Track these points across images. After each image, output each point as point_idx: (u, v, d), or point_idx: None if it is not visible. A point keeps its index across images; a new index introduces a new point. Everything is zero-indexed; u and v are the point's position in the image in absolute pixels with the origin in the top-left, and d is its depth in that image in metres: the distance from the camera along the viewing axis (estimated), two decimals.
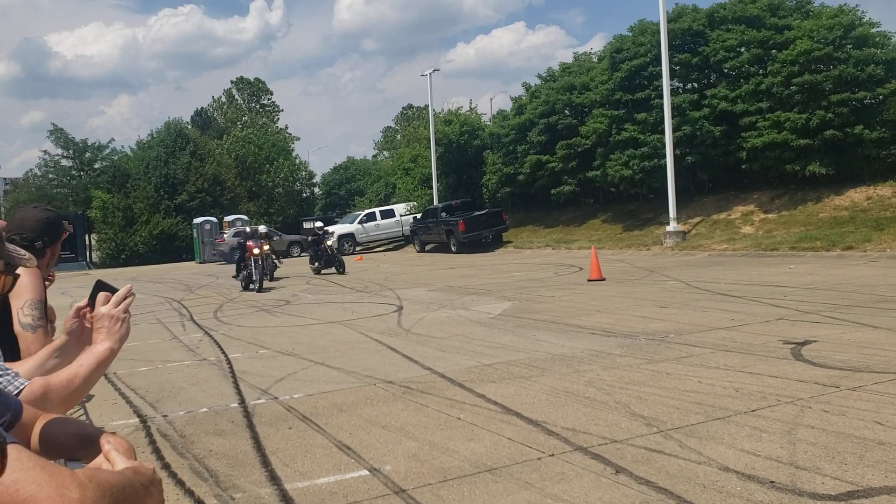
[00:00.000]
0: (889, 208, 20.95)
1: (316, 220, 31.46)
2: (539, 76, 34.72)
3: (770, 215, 24.08)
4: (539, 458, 4.80)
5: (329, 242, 23.80)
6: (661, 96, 24.54)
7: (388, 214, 38.23)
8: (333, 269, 23.17)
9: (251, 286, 19.15)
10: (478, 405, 6.24)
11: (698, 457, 4.62)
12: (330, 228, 37.91)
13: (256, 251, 19.14)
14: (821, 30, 23.09)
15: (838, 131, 22.20)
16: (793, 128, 22.89)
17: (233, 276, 21.33)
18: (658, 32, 24.76)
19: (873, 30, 23.64)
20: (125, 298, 1.87)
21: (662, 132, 24.49)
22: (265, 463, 5.12)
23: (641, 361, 7.54)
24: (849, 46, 22.83)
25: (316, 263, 23.76)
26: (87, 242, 47.46)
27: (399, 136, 65.31)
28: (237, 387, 7.63)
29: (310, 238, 24.92)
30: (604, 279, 15.78)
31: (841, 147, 22.59)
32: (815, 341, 7.95)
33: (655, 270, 17.52)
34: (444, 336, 10.11)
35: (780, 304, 10.86)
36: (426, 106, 42.99)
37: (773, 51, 24.59)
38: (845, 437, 4.77)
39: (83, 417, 6.43)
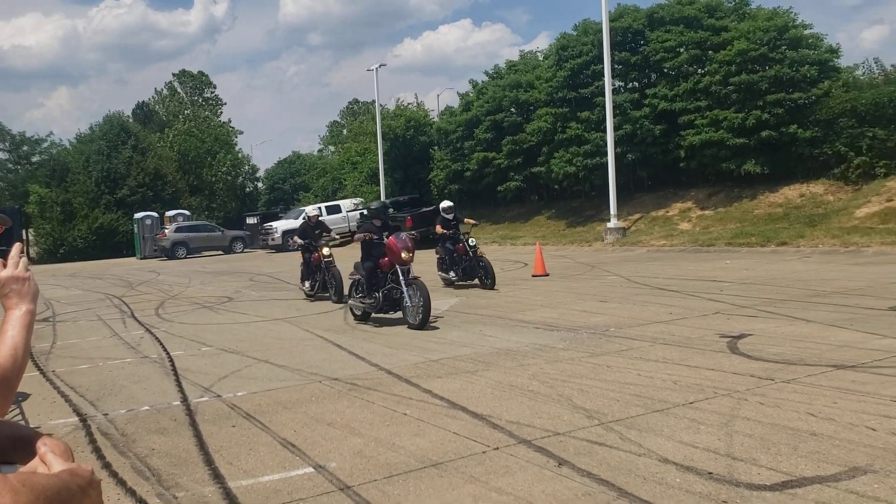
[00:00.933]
0: (821, 205, 21.70)
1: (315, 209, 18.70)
2: (486, 73, 34.95)
3: (707, 212, 24.69)
4: (484, 452, 4.85)
5: (472, 242, 14.74)
6: (603, 94, 24.93)
7: (335, 210, 37.96)
8: (477, 282, 14.71)
9: (330, 297, 14.01)
10: (424, 401, 6.27)
11: (638, 448, 4.73)
12: (274, 224, 37.66)
13: (327, 251, 14.44)
14: (756, 31, 23.75)
15: (773, 131, 22.88)
16: (729, 127, 23.50)
17: (305, 291, 14.98)
18: (601, 31, 25.14)
19: (806, 31, 24.46)
20: (20, 258, 1.80)
21: (605, 130, 24.88)
22: (208, 461, 5.06)
23: (583, 355, 7.67)
24: (783, 47, 23.55)
25: (452, 273, 15.17)
26: (25, 237, 45.95)
27: (345, 131, 64.88)
28: (179, 385, 7.50)
29: (441, 233, 15.40)
30: (548, 275, 15.98)
31: (776, 146, 23.28)
32: (751, 335, 8.19)
33: (597, 266, 17.80)
34: (391, 332, 10.11)
35: (717, 298, 11.16)
36: (373, 101, 42.77)
37: (711, 51, 25.19)
38: (780, 429, 4.93)
39: (18, 418, 6.25)
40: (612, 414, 5.51)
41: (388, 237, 10.86)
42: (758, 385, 6.06)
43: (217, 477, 4.75)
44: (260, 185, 63.19)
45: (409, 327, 10.10)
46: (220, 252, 38.25)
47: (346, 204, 38.56)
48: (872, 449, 4.44)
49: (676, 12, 26.82)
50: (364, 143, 43.60)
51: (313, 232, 15.22)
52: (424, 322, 9.98)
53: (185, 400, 6.86)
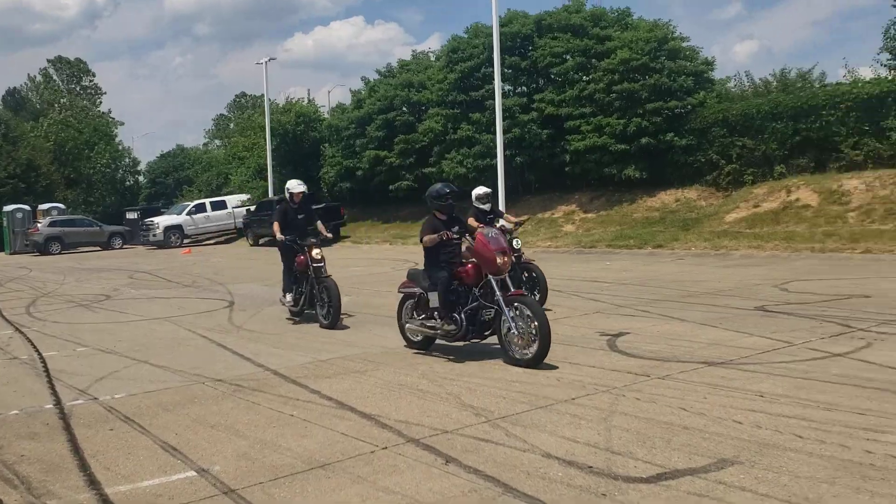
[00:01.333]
0: (694, 210, 22.89)
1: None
2: (378, 71, 34.90)
3: (590, 215, 25.57)
4: (372, 452, 4.85)
5: (517, 244, 10.84)
6: (493, 98, 25.38)
7: (220, 206, 36.90)
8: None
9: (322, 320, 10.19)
10: (312, 401, 6.21)
11: (523, 444, 4.86)
12: (155, 219, 36.22)
13: (317, 253, 10.44)
14: (638, 41, 24.77)
15: (652, 138, 23.94)
16: (612, 133, 24.39)
17: (288, 306, 10.96)
18: (491, 35, 25.58)
19: (684, 44, 25.72)
20: None
21: (495, 133, 25.34)
22: (83, 467, 4.83)
23: (472, 353, 7.78)
24: (663, 58, 24.66)
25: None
26: None
27: (232, 125, 63.19)
28: (52, 387, 7.12)
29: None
30: None
31: (654, 152, 24.36)
32: (629, 333, 8.56)
33: None
34: (278, 332, 9.94)
35: (598, 298, 11.58)
36: (262, 95, 41.89)
37: (595, 59, 26.08)
38: (655, 423, 5.18)
39: None
40: (498, 411, 5.64)
41: (463, 234, 8.09)
42: (635, 381, 6.34)
43: (93, 483, 4.54)
44: (141, 178, 60.53)
45: (506, 361, 7.21)
46: (98, 248, 36.45)
47: (232, 200, 37.57)
48: (739, 441, 4.73)
49: (563, 20, 27.60)
50: (252, 137, 42.59)
51: (298, 220, 11.00)
52: (540, 359, 6.93)
53: (58, 403, 6.52)
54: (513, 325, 7.11)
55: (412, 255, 21.90)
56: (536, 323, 6.91)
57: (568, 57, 26.84)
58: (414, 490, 4.20)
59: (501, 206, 24.96)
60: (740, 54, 76.92)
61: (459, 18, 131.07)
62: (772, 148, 22.25)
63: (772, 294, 11.13)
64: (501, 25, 26.24)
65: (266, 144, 36.92)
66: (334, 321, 9.61)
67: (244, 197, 38.00)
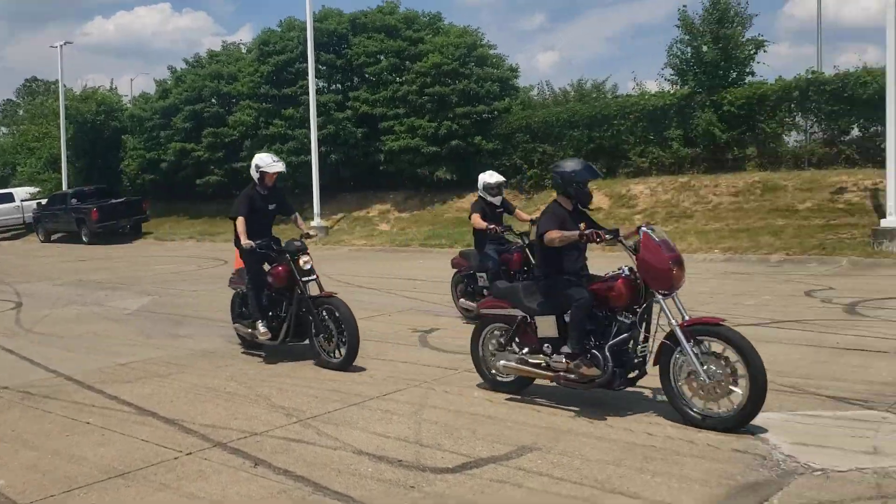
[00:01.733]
0: None
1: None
2: (185, 61, 33.21)
3: (403, 214, 26.00)
4: (176, 458, 4.68)
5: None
6: (307, 93, 25.07)
7: (6, 199, 33.63)
8: None
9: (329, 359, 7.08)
10: (109, 407, 5.87)
11: (335, 443, 4.89)
12: None
13: (306, 262, 7.44)
14: (449, 46, 25.47)
15: (462, 141, 24.70)
16: (424, 135, 24.89)
17: (258, 337, 7.61)
18: (305, 30, 25.27)
19: (491, 51, 26.74)
20: None
21: (309, 129, 25.05)
22: None
23: (282, 354, 7.68)
24: (471, 64, 25.53)
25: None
26: None
27: (21, 111, 57.76)
28: None
29: (485, 228, 9.17)
30: None
31: (463, 155, 25.16)
32: (440, 329, 8.83)
33: None
34: (72, 335, 9.26)
35: (411, 295, 11.84)
36: (56, 80, 38.58)
37: (409, 61, 26.51)
38: (462, 415, 5.41)
39: None
40: (310, 410, 5.63)
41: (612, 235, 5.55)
42: (444, 375, 6.57)
43: None
44: None
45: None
46: None
47: (20, 192, 34.35)
48: (537, 428, 5.05)
49: (378, 20, 27.79)
50: (44, 126, 39.14)
51: (269, 211, 7.82)
52: (746, 420, 4.81)
53: None
54: (702, 371, 4.90)
55: (221, 252, 21.16)
56: (755, 376, 4.74)
57: (382, 57, 27.06)
58: (220, 495, 4.12)
59: (316, 205, 24.81)
60: (543, 64, 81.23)
61: (272, 11, 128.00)
62: (569, 154, 23.68)
63: None
64: (316, 21, 25.98)
65: (60, 133, 34.07)
66: (349, 360, 6.86)
67: (34, 189, 34.88)
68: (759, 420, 4.88)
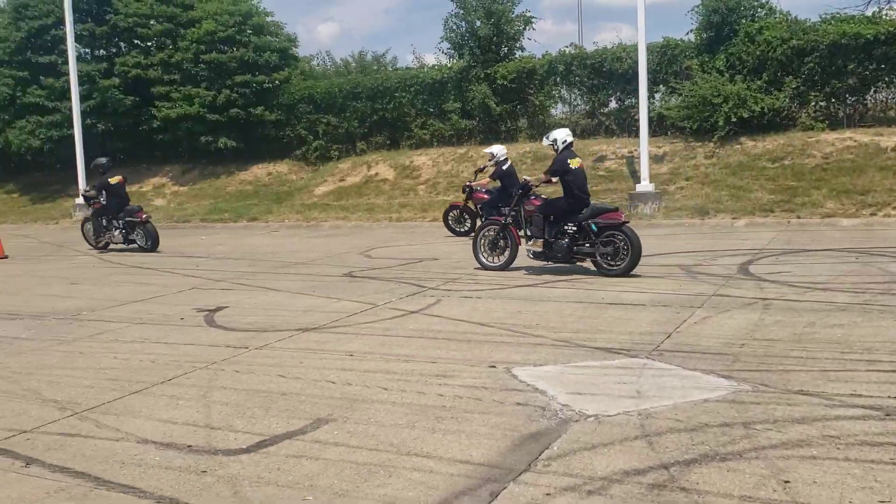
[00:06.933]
0: (286, 183, 23.49)
1: None
2: None
3: (182, 188, 24.74)
4: None
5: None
6: (68, 62, 22.94)
7: None
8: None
9: None
10: None
11: (116, 434, 4.61)
12: None
13: None
14: (223, 14, 24.38)
15: (242, 110, 23.87)
16: (202, 103, 23.76)
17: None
18: None
19: (268, 19, 25.95)
20: None
21: (71, 99, 22.96)
22: None
23: (52, 343, 7.09)
24: (249, 32, 24.65)
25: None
26: None
27: None
28: None
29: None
30: (6, 257, 14.33)
31: (245, 126, 24.36)
32: (227, 307, 8.56)
33: (66, 245, 16.49)
34: None
35: (193, 273, 11.34)
36: None
37: (181, 28, 25.07)
38: (254, 393, 5.30)
39: None
40: (86, 402, 5.24)
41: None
42: (234, 354, 6.39)
43: None
44: None
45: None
46: None
47: None
48: (332, 400, 5.08)
49: None
50: None
51: None
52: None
53: None
54: None
55: None
56: None
57: (154, 22, 25.35)
58: None
59: (81, 180, 22.87)
60: (323, 35, 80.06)
61: None
62: (353, 126, 23.76)
63: (357, 261, 12.01)
64: None
65: None
66: None
67: None
68: (536, 374, 5.30)
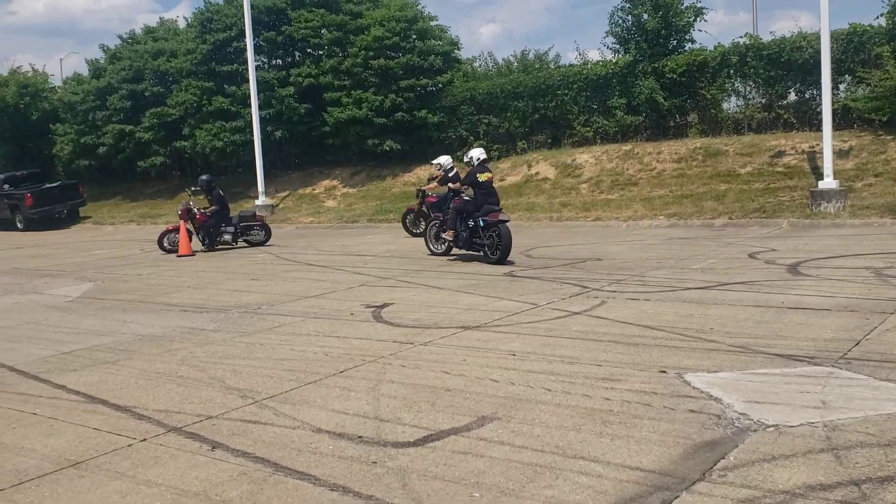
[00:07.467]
0: None
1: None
2: (120, 37, 32.08)
3: (351, 190, 25.77)
4: (130, 445, 4.57)
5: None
6: (248, 71, 24.56)
7: None
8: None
9: None
10: (57, 397, 5.69)
11: (293, 422, 4.83)
12: None
13: None
14: (390, 20, 25.17)
15: (406, 113, 24.53)
16: (370, 108, 24.64)
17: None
18: (242, 7, 24.67)
19: (433, 23, 26.50)
20: None
21: (251, 106, 24.59)
22: None
23: (235, 335, 7.58)
24: (413, 37, 25.28)
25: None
26: None
27: None
28: None
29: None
30: (194, 254, 15.48)
31: (409, 128, 25.01)
32: (392, 304, 8.79)
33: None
34: (11, 324, 8.95)
35: (362, 271, 11.75)
36: None
37: (351, 35, 26.13)
38: (420, 388, 5.39)
39: None
40: (265, 391, 5.55)
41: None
42: (400, 349, 6.55)
43: None
44: None
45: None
46: None
47: None
48: (496, 398, 5.07)
49: None
50: None
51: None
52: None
53: None
54: None
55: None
56: None
57: (324, 31, 26.62)
58: (178, 480, 4.03)
59: (261, 182, 24.39)
60: (485, 36, 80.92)
61: None
62: (514, 125, 23.76)
63: (518, 260, 11.97)
64: None
65: None
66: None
67: None
68: (711, 380, 5.03)
